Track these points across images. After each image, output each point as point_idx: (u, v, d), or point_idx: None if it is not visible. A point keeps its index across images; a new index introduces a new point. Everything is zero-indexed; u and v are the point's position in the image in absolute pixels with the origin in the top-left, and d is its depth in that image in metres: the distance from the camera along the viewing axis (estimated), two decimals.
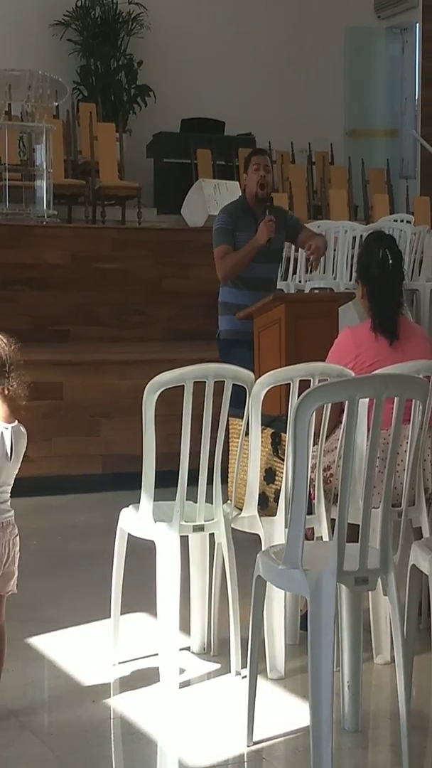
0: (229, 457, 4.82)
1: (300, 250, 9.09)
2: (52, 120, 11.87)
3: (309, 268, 7.49)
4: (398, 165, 16.22)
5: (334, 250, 10.53)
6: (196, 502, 4.48)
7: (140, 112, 14.37)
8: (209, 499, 4.51)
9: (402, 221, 11.50)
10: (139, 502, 4.48)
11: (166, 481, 4.47)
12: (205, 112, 14.24)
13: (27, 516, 7.15)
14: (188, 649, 4.74)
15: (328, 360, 4.94)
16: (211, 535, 4.62)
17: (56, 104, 12.24)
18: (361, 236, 9.68)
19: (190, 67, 14.50)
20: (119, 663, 4.62)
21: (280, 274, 8.61)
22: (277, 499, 4.60)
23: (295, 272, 10.03)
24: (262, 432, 4.59)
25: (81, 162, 12.55)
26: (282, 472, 4.60)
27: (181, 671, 4.46)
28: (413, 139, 15.79)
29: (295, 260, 9.89)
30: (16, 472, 4.01)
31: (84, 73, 14.28)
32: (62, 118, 12.74)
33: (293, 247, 8.62)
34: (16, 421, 4.01)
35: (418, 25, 16.05)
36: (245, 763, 3.76)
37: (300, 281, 9.98)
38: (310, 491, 4.39)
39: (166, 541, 4.39)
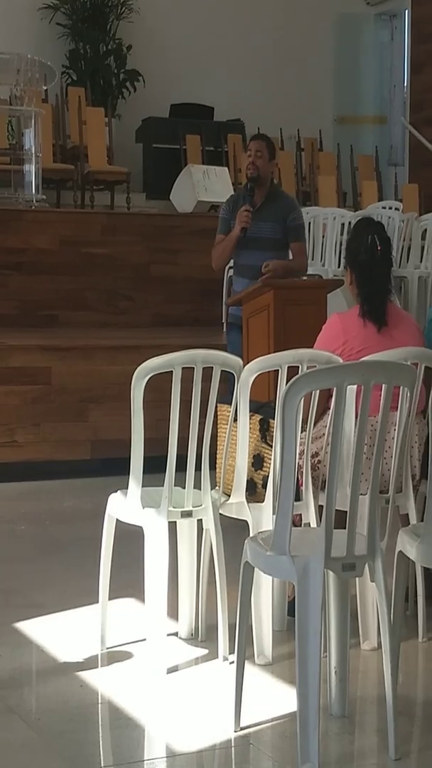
0: (218, 443, 4.82)
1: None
2: (41, 104, 11.84)
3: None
4: (387, 152, 16.24)
5: (323, 236, 10.55)
6: (184, 488, 4.48)
7: (129, 97, 14.36)
8: (197, 485, 4.51)
9: (390, 208, 11.51)
10: (127, 487, 4.48)
11: (154, 466, 4.48)
12: (194, 98, 14.24)
13: (15, 501, 7.21)
14: (176, 634, 4.75)
15: (316, 346, 4.93)
16: (199, 521, 4.62)
17: (45, 88, 12.21)
18: (350, 223, 9.71)
19: (179, 53, 14.49)
20: (107, 648, 4.62)
21: None
22: (265, 486, 4.61)
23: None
24: (250, 418, 4.60)
25: (70, 146, 12.54)
26: (270, 459, 4.61)
27: (169, 657, 4.46)
28: (402, 126, 15.80)
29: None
30: None
31: (73, 58, 14.26)
32: (51, 102, 12.72)
33: None
34: None
35: (407, 11, 16.06)
36: (232, 749, 3.77)
37: None
38: (297, 478, 4.40)
39: (154, 526, 4.40)
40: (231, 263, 7.43)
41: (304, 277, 7.74)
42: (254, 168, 7.04)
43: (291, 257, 7.19)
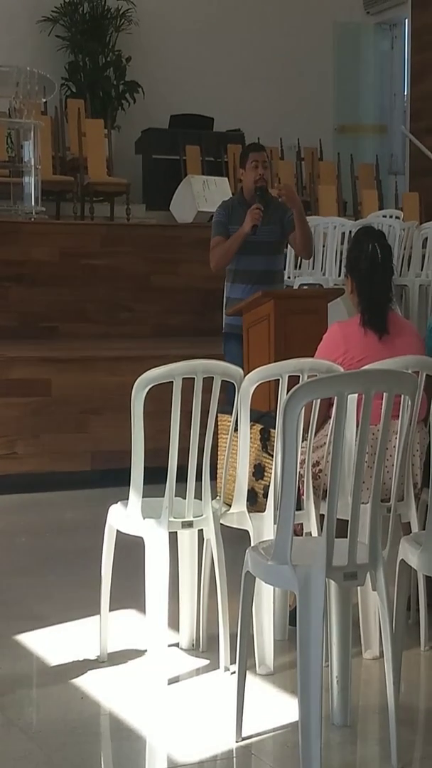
0: (218, 453, 4.81)
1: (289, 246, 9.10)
2: (41, 116, 11.85)
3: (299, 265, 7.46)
4: (387, 161, 16.24)
5: (323, 245, 10.54)
6: (184, 498, 4.48)
7: (129, 109, 14.36)
8: (198, 495, 4.51)
9: (391, 217, 11.51)
10: (127, 498, 4.47)
11: (154, 477, 4.47)
12: (193, 108, 14.25)
13: (15, 513, 7.20)
14: (177, 645, 4.74)
15: (317, 355, 4.93)
16: (200, 532, 4.61)
17: (44, 100, 12.21)
18: (350, 232, 9.70)
19: (178, 63, 14.50)
20: (108, 659, 4.61)
21: None
22: (266, 495, 4.60)
23: (284, 268, 10.02)
24: (251, 428, 4.59)
25: (69, 158, 12.54)
26: (271, 468, 4.60)
27: (170, 667, 4.45)
28: (402, 135, 15.80)
29: (285, 256, 9.88)
30: None
31: (72, 70, 14.27)
32: (50, 115, 12.73)
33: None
34: None
35: (407, 20, 16.06)
36: (234, 759, 3.76)
37: (289, 277, 9.98)
38: (299, 487, 4.39)
39: (154, 537, 4.39)
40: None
41: (305, 286, 7.75)
42: (263, 179, 7.09)
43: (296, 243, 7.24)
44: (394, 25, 16.76)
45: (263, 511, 4.58)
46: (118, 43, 14.49)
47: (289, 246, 7.61)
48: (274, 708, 4.12)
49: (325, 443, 4.73)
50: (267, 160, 7.27)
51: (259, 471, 4.72)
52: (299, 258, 9.84)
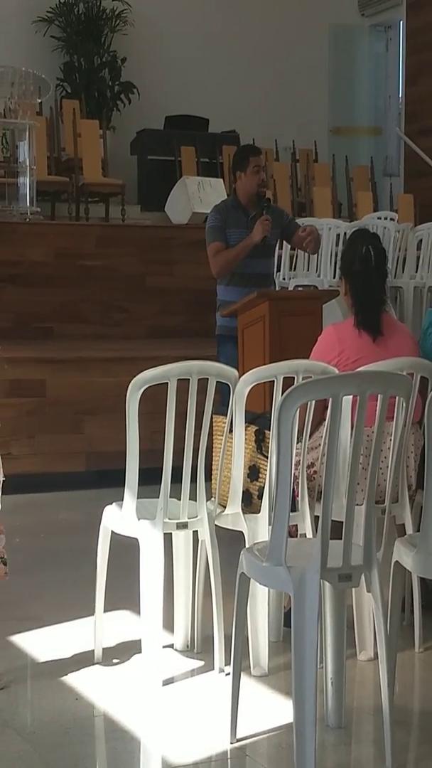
0: (213, 454, 4.81)
1: (285, 246, 9.13)
2: (36, 117, 11.85)
3: (306, 249, 7.54)
4: (382, 162, 16.26)
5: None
6: (179, 499, 4.48)
7: (124, 109, 14.35)
8: (193, 496, 4.51)
9: (386, 219, 11.52)
10: (122, 499, 4.48)
11: (149, 478, 4.47)
12: (189, 110, 14.24)
13: (10, 513, 7.15)
14: (172, 646, 4.74)
15: (312, 357, 4.94)
16: (195, 533, 4.61)
17: (39, 101, 12.21)
18: (345, 234, 9.71)
19: (174, 64, 14.49)
20: (102, 660, 4.62)
21: None
22: (260, 497, 4.60)
23: (279, 269, 10.04)
24: (245, 429, 4.59)
25: (64, 159, 12.53)
26: (266, 470, 4.61)
27: (165, 668, 4.45)
28: (397, 137, 15.80)
29: (279, 257, 9.89)
30: None
31: (67, 70, 14.26)
32: (45, 115, 12.74)
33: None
34: None
35: (402, 22, 16.06)
36: (229, 760, 3.76)
37: (284, 278, 9.99)
38: (293, 488, 4.40)
39: (149, 538, 4.39)
40: None
41: (300, 288, 7.77)
42: (265, 185, 7.15)
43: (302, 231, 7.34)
44: (388, 27, 16.77)
45: (258, 512, 4.59)
46: (114, 43, 14.48)
47: (283, 248, 7.65)
48: (268, 709, 4.12)
49: (320, 445, 4.74)
50: (265, 164, 7.32)
51: (254, 472, 4.72)
52: (294, 260, 9.84)
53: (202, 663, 4.60)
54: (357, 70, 16.75)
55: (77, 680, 4.43)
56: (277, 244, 7.74)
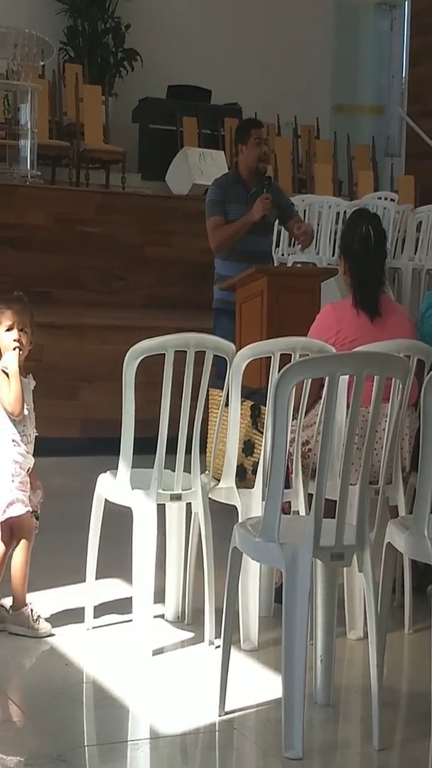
0: (208, 427, 4.82)
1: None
2: (38, 80, 11.82)
3: (294, 243, 7.59)
4: (384, 142, 16.22)
5: (318, 225, 10.53)
6: (173, 470, 4.49)
7: (127, 77, 14.28)
8: (187, 468, 4.52)
9: (386, 199, 11.51)
10: (116, 468, 4.49)
11: (144, 448, 4.48)
12: (192, 80, 14.18)
13: None
14: (162, 616, 4.76)
15: (309, 335, 4.94)
16: (188, 505, 4.63)
17: (42, 64, 12.16)
18: (345, 212, 9.71)
19: (178, 33, 14.42)
20: (93, 627, 4.64)
21: None
22: (254, 472, 4.62)
23: (278, 245, 10.03)
24: (241, 404, 4.60)
25: (66, 123, 12.50)
26: (260, 445, 4.62)
27: (155, 638, 4.47)
28: (399, 117, 15.78)
29: (279, 233, 9.88)
30: None
31: (71, 34, 14.16)
32: (48, 78, 12.68)
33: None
34: None
35: (407, 2, 16.03)
36: (216, 733, 3.78)
37: (283, 254, 9.98)
38: (288, 465, 4.41)
39: (143, 508, 4.40)
40: None
41: (299, 265, 7.77)
42: (266, 159, 7.15)
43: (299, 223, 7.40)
44: (393, 6, 16.71)
45: (252, 487, 4.60)
46: (118, 9, 14.38)
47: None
48: (257, 684, 4.14)
49: (315, 423, 4.75)
50: (266, 137, 7.32)
51: (248, 447, 4.73)
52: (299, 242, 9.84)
53: (192, 635, 4.62)
54: (361, 48, 16.71)
55: (67, 646, 4.45)
56: (276, 222, 7.74)
